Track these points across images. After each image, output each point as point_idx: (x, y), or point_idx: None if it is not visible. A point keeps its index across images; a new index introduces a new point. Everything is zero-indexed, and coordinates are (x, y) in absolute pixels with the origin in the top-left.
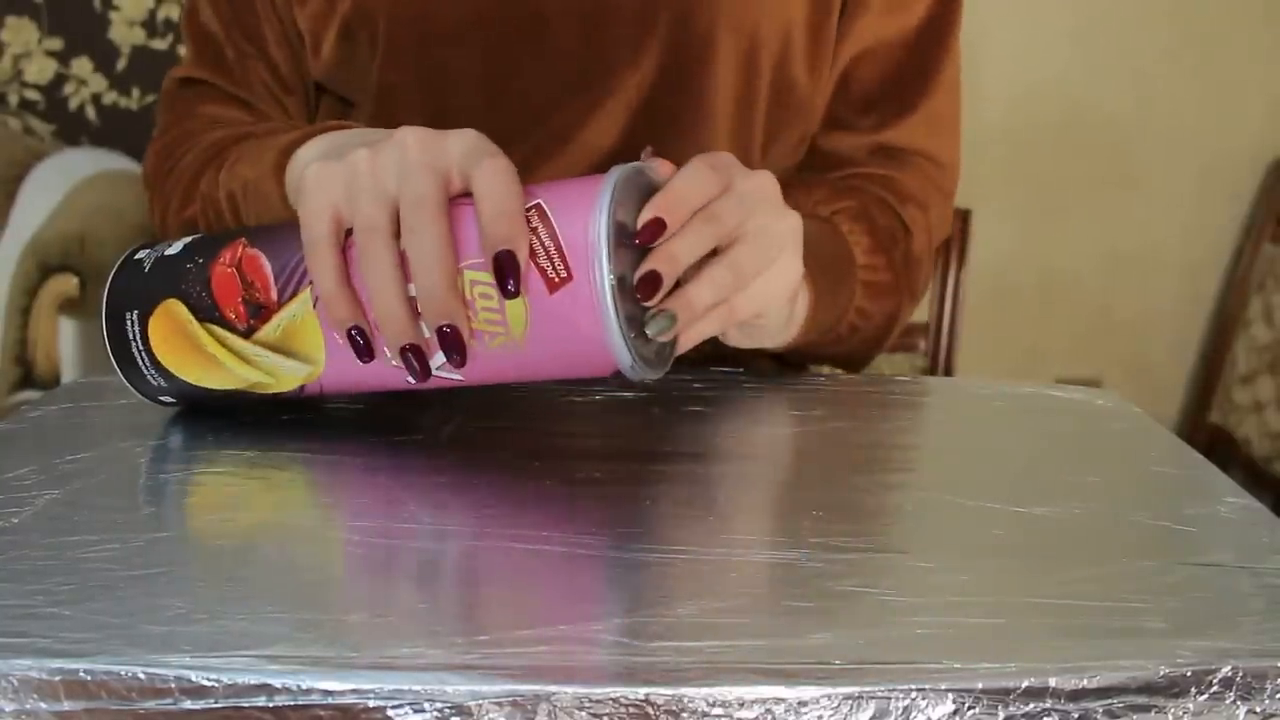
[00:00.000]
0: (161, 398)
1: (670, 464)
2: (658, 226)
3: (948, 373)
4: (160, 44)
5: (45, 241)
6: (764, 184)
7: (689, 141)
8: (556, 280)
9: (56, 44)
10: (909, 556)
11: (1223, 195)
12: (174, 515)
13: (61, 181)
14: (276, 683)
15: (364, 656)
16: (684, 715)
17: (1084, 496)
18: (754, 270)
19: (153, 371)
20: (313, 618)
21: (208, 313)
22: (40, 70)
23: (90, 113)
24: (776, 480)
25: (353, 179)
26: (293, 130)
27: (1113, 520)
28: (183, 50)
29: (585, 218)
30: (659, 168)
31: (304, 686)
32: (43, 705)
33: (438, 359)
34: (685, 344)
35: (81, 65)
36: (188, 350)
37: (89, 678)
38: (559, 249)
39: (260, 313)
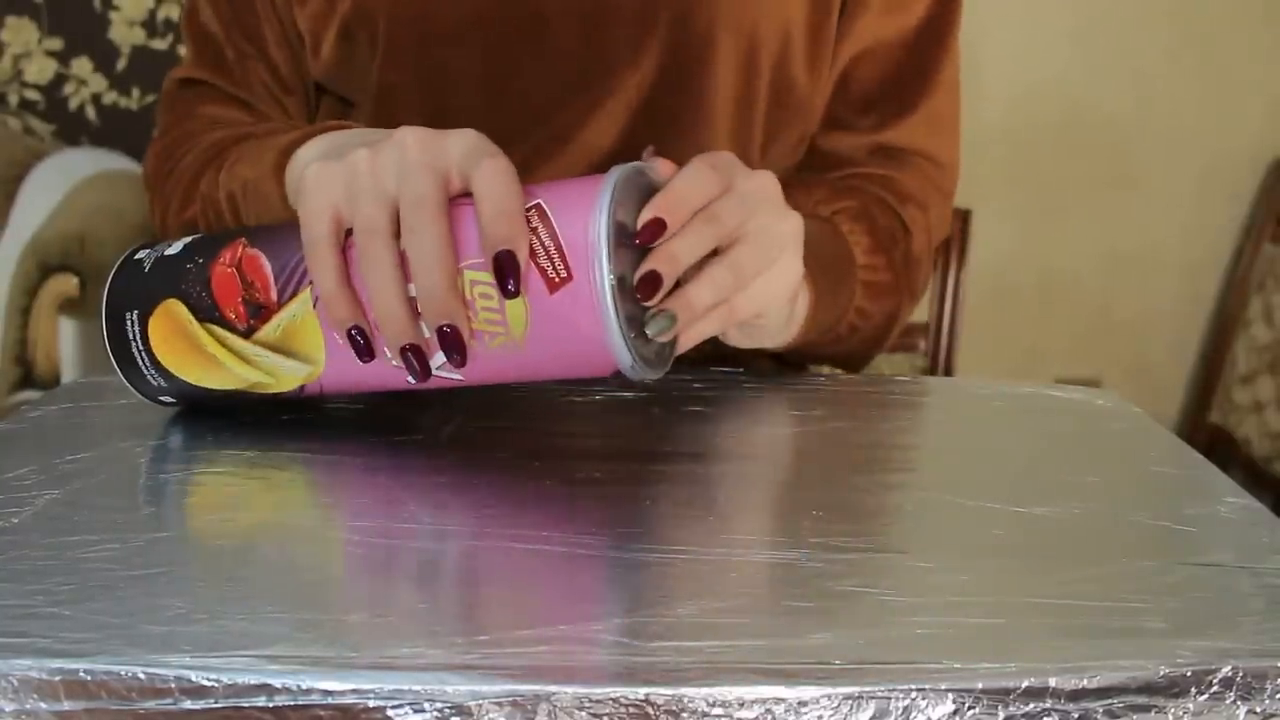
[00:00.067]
0: (161, 398)
1: (670, 464)
2: (658, 227)
3: (948, 373)
4: (160, 44)
5: (45, 241)
6: (765, 184)
7: (689, 141)
8: (556, 280)
9: (56, 44)
10: (909, 556)
11: (1223, 195)
12: (174, 515)
13: (61, 181)
14: (276, 683)
15: (364, 656)
16: (684, 715)
17: (1084, 496)
18: (754, 271)
19: (153, 371)
20: (313, 618)
21: (208, 313)
22: (40, 70)
23: (90, 113)
24: (776, 480)
25: (353, 179)
26: (292, 130)
27: (1113, 520)
28: (183, 50)
29: (585, 218)
30: (660, 167)
31: (304, 686)
32: (43, 705)
33: (438, 359)
34: (685, 344)
35: (81, 65)
36: (188, 350)
37: (89, 678)
38: (559, 249)
39: (260, 313)
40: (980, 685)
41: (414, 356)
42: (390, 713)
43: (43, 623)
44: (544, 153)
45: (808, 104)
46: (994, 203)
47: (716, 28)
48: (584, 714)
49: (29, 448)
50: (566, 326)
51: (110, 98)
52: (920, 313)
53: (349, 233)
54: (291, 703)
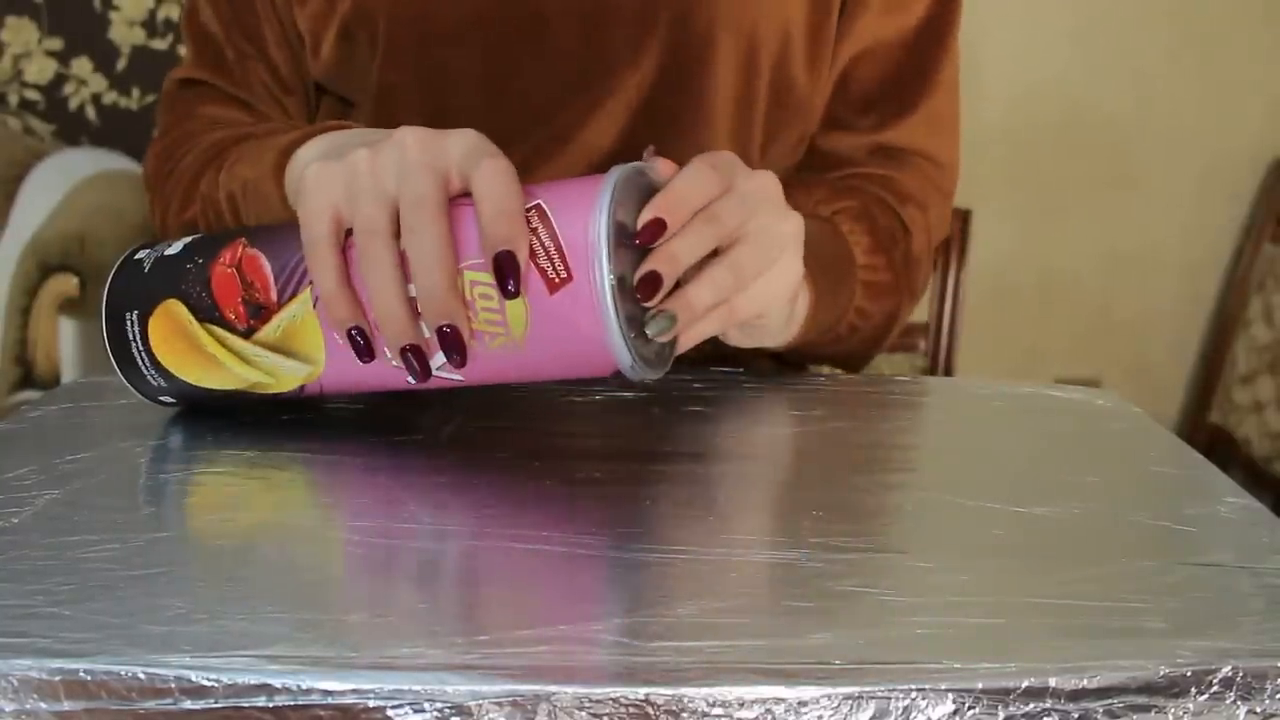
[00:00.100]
0: (161, 398)
1: (670, 464)
2: (658, 227)
3: (948, 373)
4: (160, 44)
5: (45, 241)
6: (766, 184)
7: (688, 141)
8: (557, 281)
9: (56, 44)
10: (909, 556)
11: (1223, 195)
12: (174, 515)
13: (61, 181)
14: (276, 683)
15: (364, 656)
16: (684, 715)
17: (1084, 496)
18: (754, 271)
19: (153, 372)
20: (313, 618)
21: (208, 313)
22: (40, 70)
23: (90, 113)
24: (776, 480)
25: (352, 179)
26: (292, 130)
27: (1113, 520)
28: (183, 51)
29: (585, 218)
30: (660, 167)
31: (304, 686)
32: (43, 705)
33: (438, 359)
34: (685, 344)
35: (81, 65)
36: (188, 350)
37: (89, 678)
38: (559, 249)
39: (260, 313)
40: (980, 685)
41: (414, 357)
42: (390, 713)
43: (43, 623)
44: (544, 153)
45: (807, 104)
46: (994, 203)
47: (716, 28)
48: (584, 714)
49: (29, 448)
50: (566, 327)
51: (110, 98)
52: (920, 313)
53: (349, 233)
54: (291, 703)
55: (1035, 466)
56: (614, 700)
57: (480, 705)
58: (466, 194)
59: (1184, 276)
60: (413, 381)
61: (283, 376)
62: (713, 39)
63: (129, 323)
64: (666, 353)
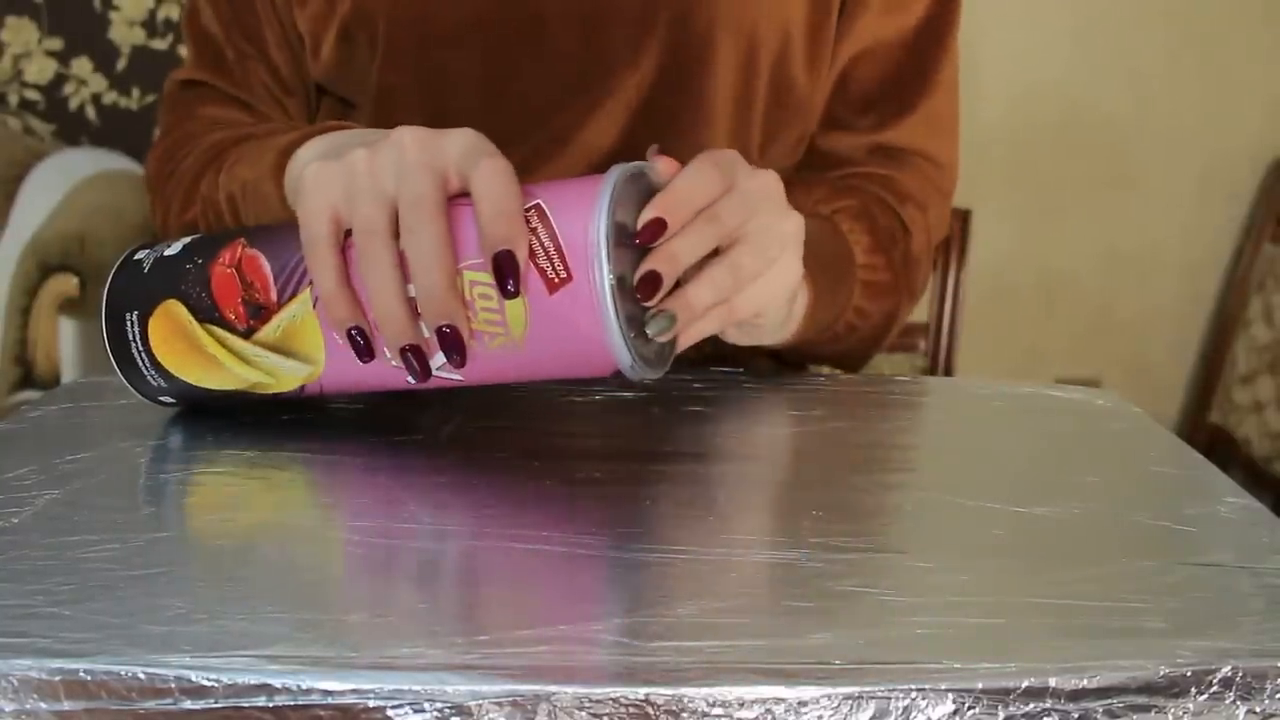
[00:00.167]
0: (161, 398)
1: (670, 464)
2: (659, 226)
3: (948, 373)
4: (160, 44)
5: (45, 241)
6: (768, 183)
7: (688, 141)
8: (556, 280)
9: (56, 44)
10: (908, 556)
11: (1223, 195)
12: (174, 515)
13: (61, 181)
14: (276, 683)
15: (364, 656)
16: (684, 715)
17: (1084, 496)
18: (754, 271)
19: (153, 372)
20: (313, 618)
21: (207, 313)
22: (40, 70)
23: (90, 113)
24: (776, 480)
25: (351, 179)
26: (292, 131)
27: (1113, 520)
28: (183, 51)
29: (585, 218)
30: (662, 166)
31: (304, 686)
32: (43, 705)
33: (438, 359)
34: (684, 343)
35: (81, 65)
36: (188, 351)
37: (89, 678)
38: (558, 249)
39: (260, 313)
40: (980, 685)
41: (414, 357)
42: (390, 713)
43: (43, 623)
44: (543, 154)
45: (807, 104)
46: (994, 203)
47: (716, 28)
48: (584, 714)
49: (29, 448)
50: (566, 326)
51: (110, 98)
52: (920, 313)
53: (348, 233)
54: (291, 703)
55: (1035, 466)
56: (614, 700)
57: (480, 705)
58: (465, 194)
59: (1184, 276)
60: (413, 381)
61: (283, 376)
62: (712, 39)
63: (129, 323)
64: (666, 352)
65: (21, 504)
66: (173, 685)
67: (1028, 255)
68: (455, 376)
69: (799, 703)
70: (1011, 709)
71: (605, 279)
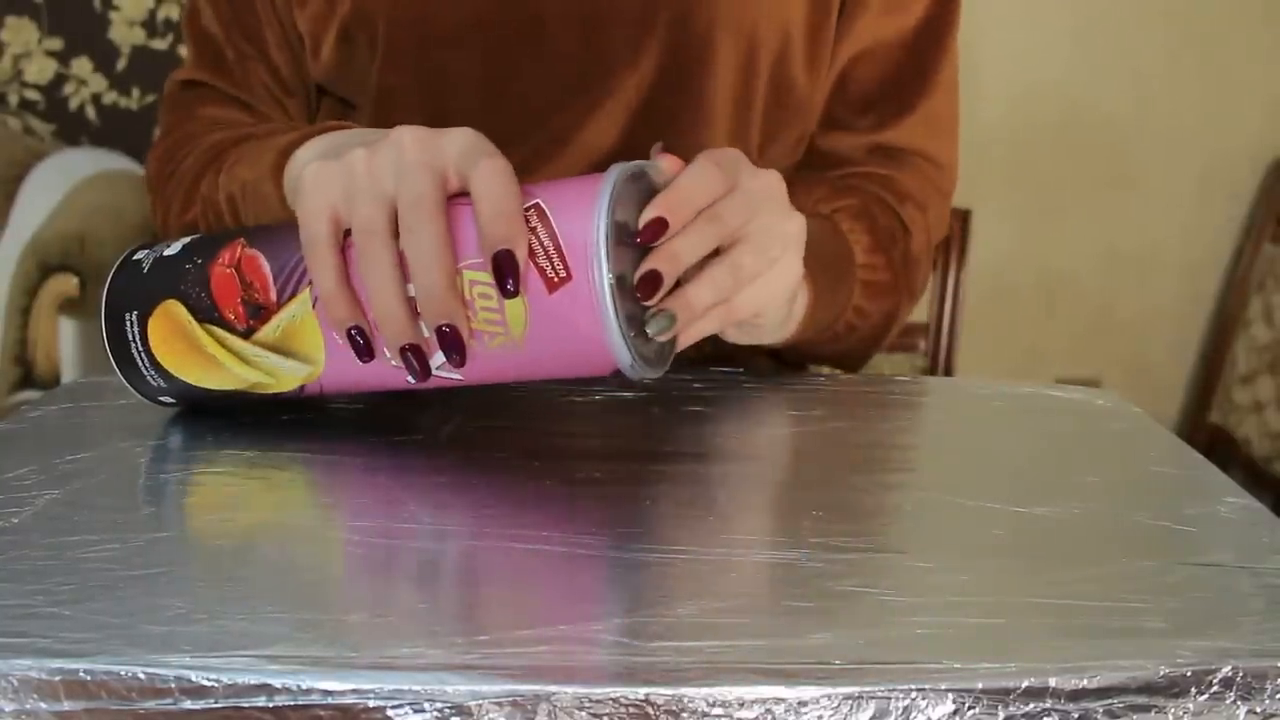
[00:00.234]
0: (161, 398)
1: (670, 464)
2: (660, 226)
3: (948, 373)
4: (160, 44)
5: (45, 241)
6: (770, 183)
7: (688, 141)
8: (556, 280)
9: (56, 44)
10: (908, 556)
11: (1223, 195)
12: (174, 515)
13: (61, 181)
14: (276, 683)
15: (364, 656)
16: (684, 715)
17: (1084, 496)
18: (754, 271)
19: (152, 372)
20: (313, 618)
21: (207, 313)
22: (40, 70)
23: (90, 113)
24: (776, 480)
25: (350, 179)
26: (291, 131)
27: (1113, 520)
28: (183, 51)
29: (584, 217)
30: (666, 164)
31: (304, 686)
32: (43, 705)
33: (437, 359)
34: (683, 342)
35: (81, 65)
36: (187, 351)
37: (89, 678)
38: (558, 249)
39: (260, 313)
40: (980, 685)
41: (414, 356)
42: (390, 713)
43: (43, 623)
44: (543, 154)
45: (807, 104)
46: (994, 203)
47: (716, 29)
48: (584, 714)
49: (29, 448)
50: (566, 326)
51: (110, 98)
52: (920, 313)
53: (348, 233)
54: (291, 703)
55: (1035, 466)
56: (614, 700)
57: (480, 705)
58: (465, 193)
59: (1184, 276)
60: (412, 381)
61: (283, 377)
62: (712, 40)
63: (128, 323)
64: (666, 351)
65: (21, 504)
66: (173, 685)
67: (1028, 255)
68: (455, 376)
69: (799, 703)
70: (1011, 709)
71: (605, 278)
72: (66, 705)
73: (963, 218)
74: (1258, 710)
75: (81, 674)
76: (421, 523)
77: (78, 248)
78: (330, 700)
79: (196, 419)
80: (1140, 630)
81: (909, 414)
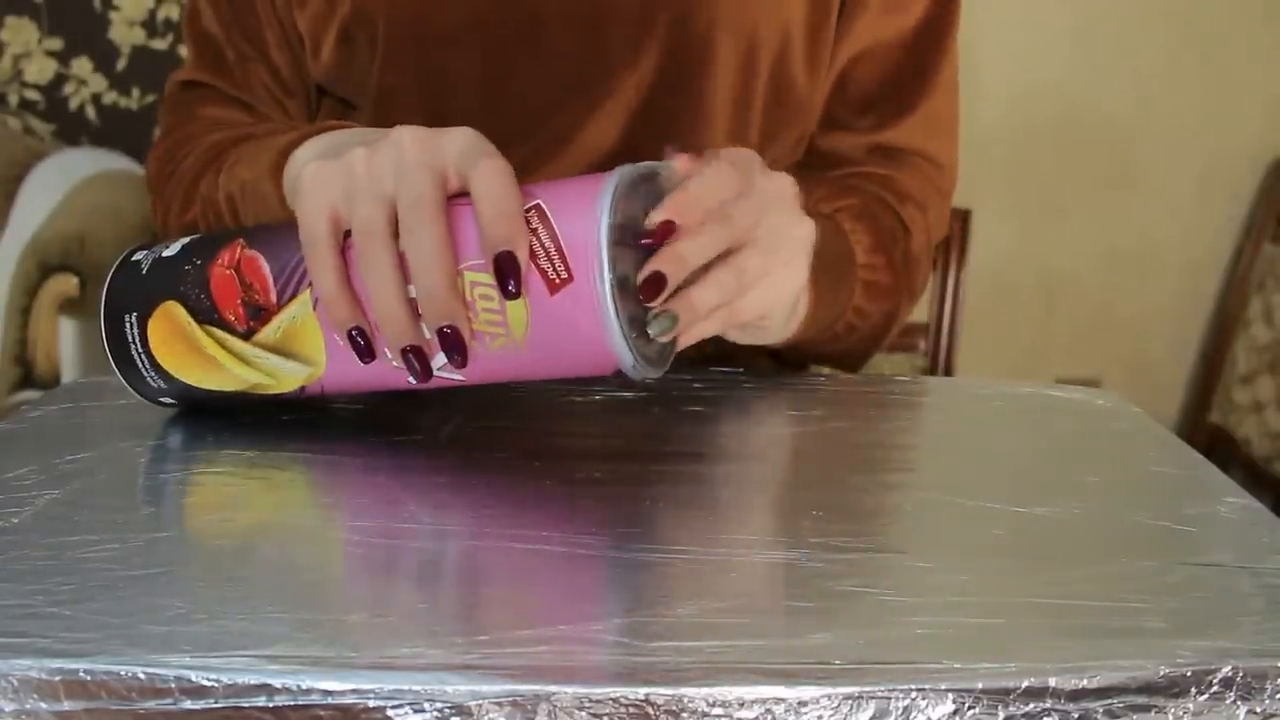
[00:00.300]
0: (161, 399)
1: (670, 464)
2: (669, 228)
3: (948, 373)
4: (160, 44)
5: (45, 241)
6: (783, 186)
7: (687, 142)
8: (557, 281)
9: (56, 44)
10: (908, 556)
11: (1223, 195)
12: (174, 515)
13: (61, 181)
14: (276, 683)
15: (364, 656)
16: (684, 715)
17: (1084, 496)
18: (759, 275)
19: (152, 373)
20: (313, 618)
21: (207, 315)
22: (40, 70)
23: (90, 113)
24: (776, 480)
25: (350, 179)
26: (291, 131)
27: (1113, 520)
28: (183, 51)
29: (586, 218)
30: (679, 165)
31: (304, 686)
32: (43, 705)
33: (439, 360)
34: (684, 343)
35: (81, 65)
36: (187, 352)
37: (89, 678)
38: (559, 250)
39: (260, 314)
40: (980, 685)
41: (415, 357)
42: (390, 713)
43: (43, 623)
44: (543, 154)
45: (807, 104)
46: (994, 203)
47: (716, 29)
48: (584, 714)
49: (29, 448)
50: (567, 327)
51: (110, 98)
52: (920, 313)
53: (348, 233)
54: (291, 703)
55: (1035, 466)
56: (614, 700)
57: (480, 705)
58: (465, 194)
59: (1184, 276)
60: (414, 382)
61: (283, 378)
62: (712, 40)
63: (128, 324)
64: (667, 351)
65: (21, 504)
66: (173, 685)
67: (1028, 255)
68: (456, 377)
69: (799, 703)
70: (1011, 709)
71: (606, 280)
72: (66, 705)
73: (963, 218)
74: (1258, 710)
75: (81, 674)
76: (421, 523)
77: (78, 248)
78: (330, 700)
79: (196, 419)
80: (1140, 630)
81: (909, 414)
